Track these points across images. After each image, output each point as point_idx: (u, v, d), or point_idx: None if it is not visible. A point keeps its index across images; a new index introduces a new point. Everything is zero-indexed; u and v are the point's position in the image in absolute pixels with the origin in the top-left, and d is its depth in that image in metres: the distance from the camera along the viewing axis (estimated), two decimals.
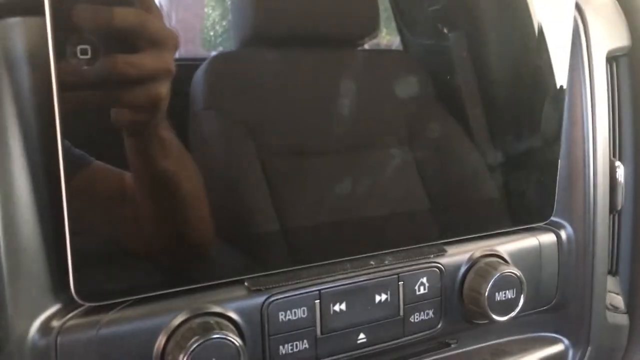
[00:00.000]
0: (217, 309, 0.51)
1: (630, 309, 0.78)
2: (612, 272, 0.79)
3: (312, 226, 0.55)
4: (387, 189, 0.59)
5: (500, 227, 0.65)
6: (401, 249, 0.60)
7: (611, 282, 0.77)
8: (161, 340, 0.49)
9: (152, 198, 0.48)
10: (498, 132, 0.64)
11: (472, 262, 0.62)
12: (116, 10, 0.43)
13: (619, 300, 0.77)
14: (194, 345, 0.47)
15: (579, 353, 0.72)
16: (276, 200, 0.54)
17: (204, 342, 0.47)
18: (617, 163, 0.72)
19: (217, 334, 0.48)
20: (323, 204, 0.56)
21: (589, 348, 0.71)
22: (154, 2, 0.45)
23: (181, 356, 0.47)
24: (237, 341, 0.49)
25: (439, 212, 0.62)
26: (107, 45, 0.43)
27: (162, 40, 0.45)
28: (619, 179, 0.72)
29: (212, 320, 0.50)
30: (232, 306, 0.52)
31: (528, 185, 0.66)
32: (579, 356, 0.72)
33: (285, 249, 0.55)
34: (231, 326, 0.51)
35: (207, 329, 0.49)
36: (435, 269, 0.60)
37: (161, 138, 0.47)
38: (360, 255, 0.58)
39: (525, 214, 0.67)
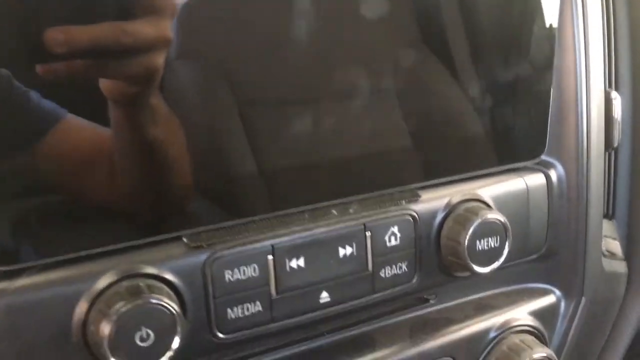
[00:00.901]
0: (151, 270, 0.44)
1: (628, 256, 0.72)
2: (608, 215, 0.72)
3: (264, 171, 0.48)
4: (353, 125, 0.51)
5: (484, 166, 0.58)
6: (368, 195, 0.53)
7: (607, 227, 0.71)
8: (82, 307, 0.42)
9: (131, 162, 0.44)
10: (482, 58, 0.56)
11: (450, 209, 0.55)
12: None
13: (615, 246, 0.71)
14: (119, 312, 0.40)
15: (572, 305, 0.65)
16: (219, 141, 0.46)
17: (131, 307, 0.41)
18: (614, 94, 0.65)
19: (147, 298, 0.41)
20: (276, 144, 0.48)
21: (583, 299, 0.65)
22: None
23: (103, 325, 0.40)
24: (172, 307, 0.42)
25: (414, 150, 0.54)
26: (99, 11, 0.39)
27: (159, 6, 0.41)
28: (616, 112, 0.64)
29: (142, 282, 0.43)
30: (169, 266, 0.45)
31: (516, 118, 0.58)
32: (572, 308, 0.65)
33: (231, 199, 0.48)
34: (167, 289, 0.44)
35: (135, 292, 0.42)
36: (407, 217, 0.53)
37: (152, 108, 0.43)
38: (321, 204, 0.51)
39: (513, 151, 0.59)
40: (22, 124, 0.40)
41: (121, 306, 0.41)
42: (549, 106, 0.59)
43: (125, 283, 0.43)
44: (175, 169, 0.45)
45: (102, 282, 0.42)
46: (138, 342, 0.41)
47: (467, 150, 0.57)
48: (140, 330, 0.41)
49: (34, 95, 0.39)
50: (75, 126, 0.41)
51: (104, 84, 0.41)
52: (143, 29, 0.41)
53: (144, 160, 0.44)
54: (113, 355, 0.40)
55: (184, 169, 0.45)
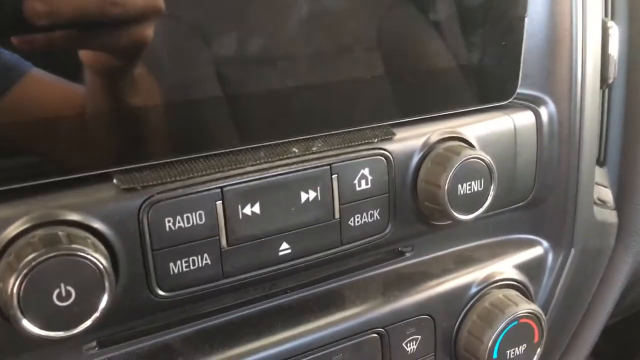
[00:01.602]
0: (73, 217, 0.37)
1: (619, 205, 0.66)
2: (599, 161, 0.67)
3: (211, 99, 0.41)
4: (318, 51, 0.44)
5: (456, 105, 0.51)
6: (335, 132, 0.46)
7: (598, 173, 0.65)
8: None
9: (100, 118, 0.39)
10: None
11: (429, 148, 0.49)
12: None
13: (607, 194, 0.65)
14: (31, 265, 0.33)
15: (561, 257, 0.60)
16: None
17: (45, 260, 0.34)
18: (611, 23, 0.58)
19: (66, 249, 0.34)
20: (229, 69, 0.41)
21: (573, 250, 0.60)
22: None
23: (12, 281, 0.33)
24: (98, 259, 0.35)
25: (385, 84, 0.47)
26: None
27: None
28: (612, 44, 0.58)
29: (61, 231, 0.36)
30: (96, 212, 0.38)
31: (485, 51, 0.51)
32: (560, 260, 0.60)
33: (172, 132, 0.40)
34: (93, 239, 0.37)
35: (52, 242, 0.35)
36: (380, 157, 0.47)
37: (134, 77, 0.39)
38: (280, 141, 0.44)
39: (482, 89, 0.52)
40: None
41: (34, 258, 0.34)
42: (522, 38, 0.52)
43: (40, 231, 0.36)
44: (136, 110, 0.39)
45: (12, 231, 0.35)
46: (56, 301, 0.34)
47: (439, 86, 0.50)
48: (58, 287, 0.34)
49: None
50: (41, 81, 0.37)
51: (86, 55, 0.37)
52: None
53: (119, 123, 0.39)
54: (25, 317, 0.34)
55: (157, 130, 0.40)
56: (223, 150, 0.42)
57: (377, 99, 0.47)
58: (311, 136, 0.45)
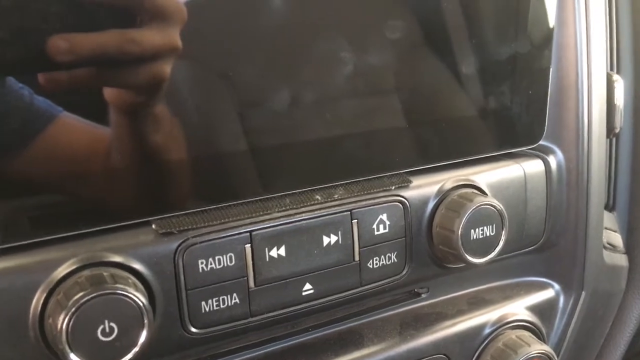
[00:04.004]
0: (116, 258, 0.40)
1: (629, 248, 0.68)
2: (609, 207, 0.69)
3: (242, 152, 0.44)
4: (339, 105, 0.47)
5: (479, 151, 0.55)
6: (354, 180, 0.49)
7: (607, 218, 0.67)
8: (39, 298, 0.38)
9: (128, 160, 0.41)
10: (477, 34, 0.52)
11: (443, 195, 0.52)
12: None
13: (617, 238, 0.68)
14: (79, 303, 0.37)
15: (572, 299, 0.62)
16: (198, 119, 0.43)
17: (91, 298, 0.37)
18: (616, 77, 0.61)
19: (110, 288, 0.38)
20: (257, 123, 0.45)
21: (583, 293, 0.62)
22: None
23: (62, 318, 0.37)
24: (138, 298, 0.38)
25: (405, 133, 0.51)
26: (104, 18, 0.37)
27: (167, 14, 0.39)
28: (617, 96, 0.61)
29: (106, 272, 0.39)
30: (136, 254, 0.41)
31: (513, 100, 0.54)
32: (571, 302, 0.62)
33: (205, 183, 0.44)
34: (133, 279, 0.40)
35: (98, 282, 0.38)
36: (397, 203, 0.50)
37: (155, 116, 0.40)
38: (303, 190, 0.47)
39: (510, 135, 0.56)
40: (14, 123, 0.37)
41: (81, 297, 0.37)
42: (548, 87, 0.56)
43: (86, 272, 0.39)
44: (171, 170, 0.42)
45: (61, 271, 0.39)
46: (100, 337, 0.37)
47: (463, 133, 0.54)
48: (102, 323, 0.38)
49: (27, 92, 0.37)
50: (71, 125, 0.39)
51: (108, 91, 0.38)
52: (150, 36, 0.38)
53: (143, 162, 0.41)
54: (72, 351, 0.37)
55: (180, 170, 0.43)
56: (250, 200, 0.45)
57: (398, 149, 0.50)
58: (333, 184, 0.48)
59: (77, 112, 0.39)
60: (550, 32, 0.55)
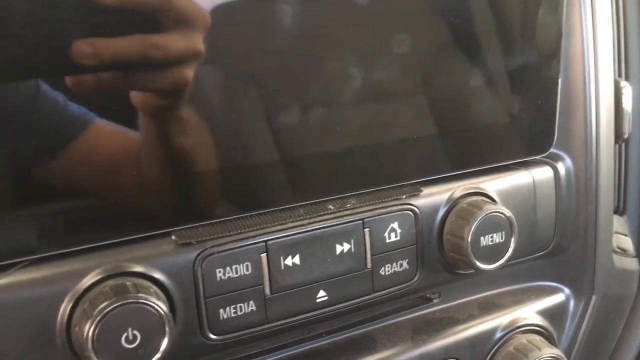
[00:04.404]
0: (138, 268, 0.42)
1: None
2: (619, 211, 0.70)
3: (257, 165, 0.46)
4: (351, 116, 0.49)
5: (490, 161, 0.56)
6: (366, 190, 0.50)
7: (618, 222, 0.68)
8: (66, 307, 0.40)
9: (158, 166, 0.42)
10: (486, 45, 0.53)
11: (453, 203, 0.53)
12: None
13: (627, 242, 0.68)
14: (104, 312, 0.39)
15: (582, 303, 0.63)
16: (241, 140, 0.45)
17: (115, 307, 0.39)
18: (624, 83, 0.62)
19: (133, 297, 0.39)
20: (269, 136, 0.46)
21: (594, 297, 0.63)
22: None
23: (87, 326, 0.38)
24: (159, 306, 0.40)
25: (417, 144, 0.52)
26: (128, 23, 0.38)
27: (190, 19, 0.40)
28: (626, 102, 0.62)
29: (128, 281, 0.41)
30: (157, 264, 0.43)
31: (522, 110, 0.55)
32: (581, 307, 0.63)
33: (223, 194, 0.46)
34: (155, 288, 0.42)
35: (121, 292, 0.40)
36: (408, 211, 0.51)
37: (182, 119, 0.42)
38: (316, 200, 0.49)
39: (520, 145, 0.57)
40: (50, 130, 0.38)
41: (106, 306, 0.39)
42: (557, 96, 0.57)
43: (110, 282, 0.41)
44: (198, 169, 0.43)
45: (87, 281, 0.41)
46: (124, 344, 0.39)
47: (473, 143, 0.55)
48: (126, 331, 0.39)
49: (62, 99, 0.38)
50: (105, 131, 0.40)
51: (134, 95, 0.40)
52: (173, 42, 0.39)
53: (171, 164, 0.43)
54: (98, 357, 0.39)
55: (208, 172, 0.44)
56: (267, 210, 0.47)
57: (409, 160, 0.52)
58: (345, 195, 0.50)
59: (109, 117, 0.40)
60: (558, 42, 0.55)
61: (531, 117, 0.56)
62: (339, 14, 0.47)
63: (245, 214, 0.46)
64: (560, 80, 0.57)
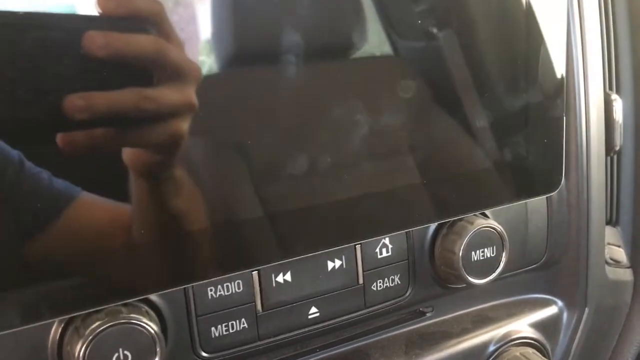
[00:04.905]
0: None
1: (634, 263, 0.69)
2: (612, 222, 0.70)
3: (260, 219, 0.44)
4: (354, 167, 0.47)
5: (499, 203, 0.54)
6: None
7: (611, 234, 0.68)
8: (57, 327, 0.41)
9: (150, 231, 0.41)
10: (488, 88, 0.51)
11: None
12: (132, 37, 0.37)
13: (620, 254, 0.68)
14: (95, 332, 0.39)
15: (575, 315, 0.63)
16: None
17: (106, 328, 0.39)
18: (614, 96, 0.62)
19: (125, 318, 0.40)
20: (274, 189, 0.45)
21: (587, 309, 0.63)
22: (173, 28, 0.38)
23: (79, 346, 0.39)
24: (150, 327, 0.40)
25: (422, 190, 0.50)
26: (121, 76, 0.37)
27: (183, 72, 0.39)
28: (616, 115, 0.62)
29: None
30: None
31: (530, 150, 0.54)
32: (575, 319, 0.63)
33: (226, 250, 0.44)
34: (146, 308, 0.42)
35: (112, 312, 0.40)
36: None
37: (175, 180, 0.41)
38: (325, 250, 0.47)
39: (529, 184, 0.55)
40: (34, 206, 0.37)
41: (98, 326, 0.39)
42: (563, 134, 0.56)
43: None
44: (191, 230, 0.42)
45: None
46: None
47: (481, 186, 0.53)
48: (117, 351, 0.40)
49: (46, 175, 0.37)
50: (90, 204, 0.39)
51: (127, 153, 0.39)
52: (167, 94, 0.39)
53: (164, 226, 0.41)
54: None
55: (199, 228, 0.42)
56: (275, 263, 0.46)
57: (419, 204, 0.50)
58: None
59: (97, 186, 0.39)
60: (561, 80, 0.54)
61: (539, 156, 0.55)
62: (337, 77, 0.46)
63: (237, 272, 0.45)
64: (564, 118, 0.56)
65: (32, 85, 0.35)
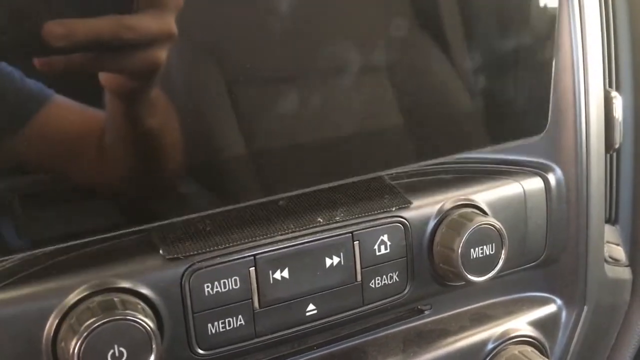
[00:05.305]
0: (125, 284, 0.42)
1: (633, 261, 0.69)
2: (611, 220, 0.70)
3: (251, 154, 0.45)
4: (340, 104, 0.47)
5: (486, 143, 0.55)
6: (360, 177, 0.50)
7: (610, 232, 0.68)
8: (52, 323, 0.40)
9: (123, 148, 0.41)
10: (480, 26, 0.52)
11: (443, 215, 0.53)
12: None
13: (619, 252, 0.68)
14: (90, 328, 0.38)
15: (574, 314, 0.63)
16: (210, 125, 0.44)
17: (101, 324, 0.39)
18: (614, 93, 0.62)
19: (120, 314, 0.39)
20: (261, 125, 0.45)
21: (585, 307, 0.62)
22: None
23: (74, 342, 0.38)
24: (146, 323, 0.40)
25: (415, 127, 0.51)
26: (100, 2, 0.37)
27: (163, 0, 0.39)
28: (616, 112, 0.62)
29: (116, 297, 0.41)
30: (144, 280, 0.43)
31: (517, 90, 0.55)
32: (573, 317, 0.63)
33: (218, 184, 0.45)
34: (142, 304, 0.42)
35: (108, 308, 0.40)
36: (398, 224, 0.51)
37: (151, 100, 0.41)
38: (309, 189, 0.48)
39: (516, 125, 0.56)
40: (4, 107, 0.37)
41: (92, 322, 0.39)
42: (551, 77, 0.56)
43: (97, 298, 0.41)
44: (166, 153, 0.42)
45: (73, 297, 0.41)
46: None
47: (467, 127, 0.54)
48: (112, 348, 0.39)
49: (18, 75, 0.37)
50: (64, 108, 0.39)
51: (104, 76, 0.39)
52: (146, 23, 0.38)
53: (137, 146, 0.41)
54: None
55: (175, 153, 0.43)
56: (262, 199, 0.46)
57: (409, 143, 0.51)
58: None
59: (71, 94, 0.38)
60: (552, 23, 0.55)
61: (526, 98, 0.55)
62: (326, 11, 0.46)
63: (211, 209, 0.45)
64: (550, 92, 0.57)
65: (12, 7, 0.35)
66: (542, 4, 0.54)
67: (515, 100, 0.55)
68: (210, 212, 0.45)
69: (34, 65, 0.37)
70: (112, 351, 0.39)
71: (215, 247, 0.44)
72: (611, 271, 0.65)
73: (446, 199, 0.53)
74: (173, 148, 0.42)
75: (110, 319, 0.39)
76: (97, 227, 0.42)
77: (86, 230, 0.41)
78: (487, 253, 0.52)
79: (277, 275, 0.47)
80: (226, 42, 0.43)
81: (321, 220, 0.49)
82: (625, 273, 0.68)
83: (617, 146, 0.63)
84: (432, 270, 0.53)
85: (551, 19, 0.55)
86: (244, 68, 0.44)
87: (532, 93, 0.56)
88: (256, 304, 0.46)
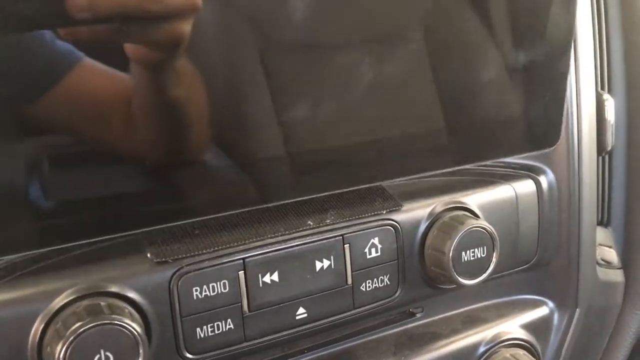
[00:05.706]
0: (112, 288, 0.42)
1: (625, 263, 0.69)
2: (603, 222, 0.70)
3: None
4: (364, 109, 0.48)
5: (500, 154, 0.55)
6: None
7: (602, 234, 0.68)
8: (37, 328, 0.39)
9: (150, 116, 0.41)
10: (497, 39, 0.52)
11: (435, 217, 0.53)
12: None
13: (611, 254, 0.68)
14: (76, 333, 0.38)
15: (566, 316, 0.62)
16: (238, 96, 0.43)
17: (88, 329, 0.38)
18: (606, 96, 0.62)
19: (106, 319, 0.39)
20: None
21: (578, 310, 0.62)
22: None
23: (59, 347, 0.38)
24: (133, 328, 0.39)
25: (430, 138, 0.52)
26: None
27: None
28: (608, 115, 0.62)
29: (102, 302, 0.40)
30: (132, 283, 0.42)
31: (532, 103, 0.54)
32: (566, 320, 0.62)
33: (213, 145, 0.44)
34: (129, 309, 0.41)
35: (95, 312, 0.39)
36: (389, 227, 0.51)
37: (176, 71, 0.41)
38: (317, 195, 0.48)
39: (531, 137, 0.55)
40: (35, 68, 0.37)
41: (78, 327, 0.38)
42: (565, 91, 0.56)
43: (84, 302, 0.40)
44: (192, 124, 0.42)
45: (59, 301, 0.40)
46: None
47: (483, 137, 0.54)
48: (98, 353, 0.39)
49: (49, 37, 0.37)
50: (93, 71, 0.39)
51: (128, 47, 0.39)
52: None
53: (163, 115, 0.41)
54: None
55: (201, 124, 0.43)
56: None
57: (439, 151, 0.52)
58: (324, 210, 0.49)
59: (99, 59, 0.39)
60: (569, 37, 0.54)
61: (541, 110, 0.55)
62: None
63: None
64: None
65: None
66: (560, 18, 0.54)
67: (530, 113, 0.55)
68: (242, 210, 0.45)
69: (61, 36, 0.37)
70: (98, 356, 0.38)
71: (204, 251, 0.44)
72: (603, 274, 0.65)
73: (437, 202, 0.53)
74: (200, 120, 0.42)
75: (97, 323, 0.38)
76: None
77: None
78: (479, 256, 0.52)
79: (267, 278, 0.46)
80: (258, 8, 0.42)
81: (311, 223, 0.48)
82: (617, 275, 0.68)
83: (609, 148, 0.63)
84: (423, 274, 0.53)
85: (568, 32, 0.55)
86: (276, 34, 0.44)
87: (548, 107, 0.56)
88: (245, 308, 0.46)
